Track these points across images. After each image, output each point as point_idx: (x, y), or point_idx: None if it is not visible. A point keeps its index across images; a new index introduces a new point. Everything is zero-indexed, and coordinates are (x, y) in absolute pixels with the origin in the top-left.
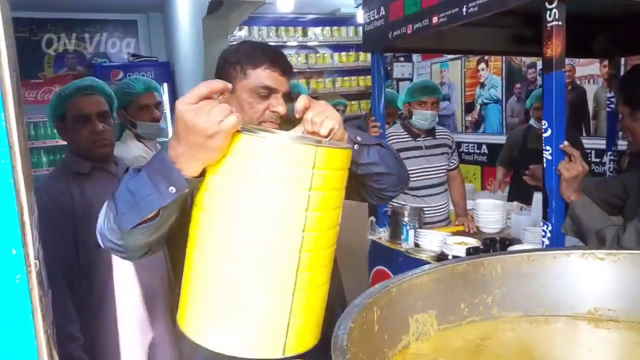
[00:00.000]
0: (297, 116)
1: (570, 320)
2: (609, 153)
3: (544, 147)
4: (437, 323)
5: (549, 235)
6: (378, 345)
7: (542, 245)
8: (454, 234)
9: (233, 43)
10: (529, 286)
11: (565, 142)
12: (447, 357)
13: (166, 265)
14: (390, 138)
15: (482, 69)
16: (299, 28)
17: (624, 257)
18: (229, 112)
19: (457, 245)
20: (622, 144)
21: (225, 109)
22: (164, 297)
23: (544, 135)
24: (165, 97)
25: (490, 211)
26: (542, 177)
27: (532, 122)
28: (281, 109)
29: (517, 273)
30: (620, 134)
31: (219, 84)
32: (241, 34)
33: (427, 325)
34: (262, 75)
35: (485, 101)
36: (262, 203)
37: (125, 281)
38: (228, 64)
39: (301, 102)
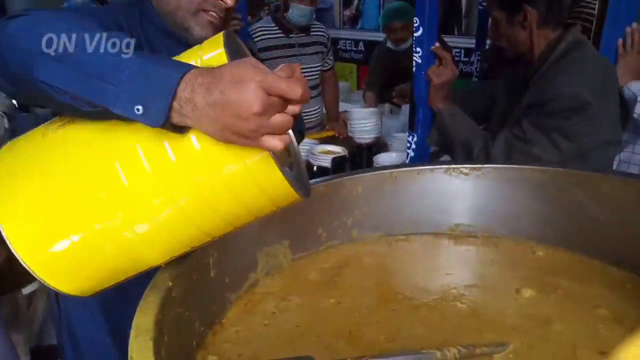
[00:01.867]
0: None
1: (431, 238)
2: (477, 53)
3: (413, 49)
4: (291, 253)
5: (414, 146)
6: (216, 291)
7: (407, 157)
8: (324, 140)
9: None
10: (391, 205)
11: (437, 44)
12: (299, 293)
13: None
14: (258, 33)
15: None
16: None
17: (487, 171)
18: (282, 132)
19: (324, 155)
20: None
21: (283, 128)
22: None
23: (415, 34)
24: None
25: (363, 120)
26: (411, 87)
27: (389, 43)
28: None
29: (379, 191)
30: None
31: (304, 95)
32: None
33: (279, 257)
34: None
35: None
36: (211, 194)
37: None
38: None
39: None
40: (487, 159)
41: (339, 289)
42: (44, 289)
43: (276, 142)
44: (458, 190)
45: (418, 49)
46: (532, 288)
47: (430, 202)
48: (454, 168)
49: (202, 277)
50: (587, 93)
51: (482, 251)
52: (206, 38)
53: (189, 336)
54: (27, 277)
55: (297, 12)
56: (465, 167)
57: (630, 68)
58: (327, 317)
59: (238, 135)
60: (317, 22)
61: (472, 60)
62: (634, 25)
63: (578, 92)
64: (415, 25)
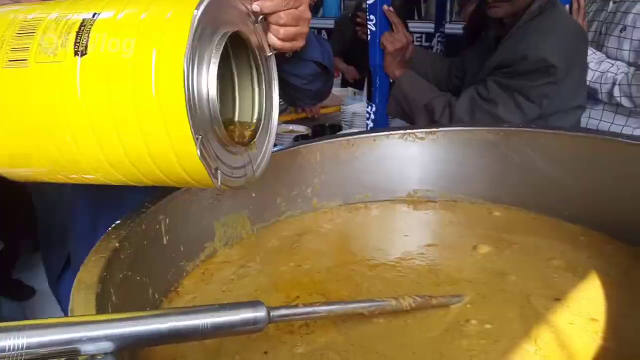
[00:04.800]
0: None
1: (390, 204)
2: (438, 35)
3: (367, 17)
4: (250, 223)
5: (373, 117)
6: (170, 259)
7: (367, 128)
8: (293, 120)
9: None
10: (349, 172)
11: (389, 7)
12: (258, 260)
13: None
14: None
15: None
16: None
17: (442, 134)
18: None
19: (286, 134)
20: (449, 27)
21: None
22: None
23: (368, 1)
24: None
25: (359, 111)
26: (366, 56)
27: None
28: None
29: (336, 159)
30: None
31: None
32: None
33: (237, 228)
34: None
35: None
36: None
37: None
38: None
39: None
40: (451, 119)
41: (298, 254)
42: None
43: None
44: (415, 156)
45: (372, 17)
46: (488, 245)
47: (388, 169)
48: (409, 133)
49: (153, 243)
50: (553, 57)
51: (441, 214)
52: None
53: (142, 302)
54: None
55: None
56: (421, 132)
57: None
58: (286, 279)
59: None
60: None
61: (432, 44)
62: None
63: (544, 55)
64: None
